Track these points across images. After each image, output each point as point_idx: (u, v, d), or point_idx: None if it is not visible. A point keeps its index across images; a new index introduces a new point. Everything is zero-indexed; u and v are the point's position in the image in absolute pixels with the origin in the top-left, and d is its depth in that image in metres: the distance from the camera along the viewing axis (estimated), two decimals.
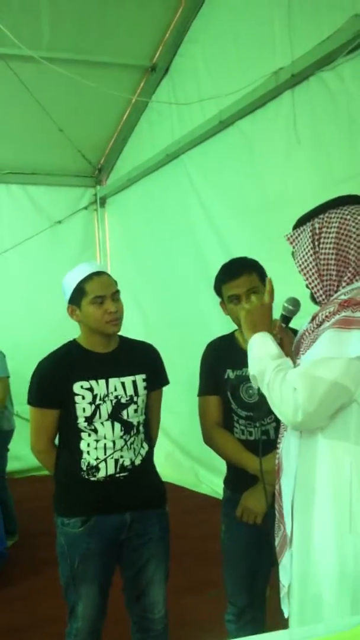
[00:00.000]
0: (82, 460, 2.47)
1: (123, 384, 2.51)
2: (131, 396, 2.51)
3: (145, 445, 2.59)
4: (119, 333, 2.59)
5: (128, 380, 2.52)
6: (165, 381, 2.73)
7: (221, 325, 2.81)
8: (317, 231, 1.88)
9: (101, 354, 2.54)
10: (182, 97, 5.86)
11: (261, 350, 1.90)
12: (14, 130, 6.55)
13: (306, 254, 1.90)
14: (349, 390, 1.69)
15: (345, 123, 4.00)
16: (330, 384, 1.67)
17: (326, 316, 1.78)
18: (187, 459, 6.39)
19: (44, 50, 5.49)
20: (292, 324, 2.12)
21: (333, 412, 1.72)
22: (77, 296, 2.48)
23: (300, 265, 1.93)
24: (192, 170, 5.84)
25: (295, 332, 2.08)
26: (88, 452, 2.47)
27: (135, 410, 2.52)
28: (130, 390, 2.52)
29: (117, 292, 2.51)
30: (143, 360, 2.61)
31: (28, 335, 6.96)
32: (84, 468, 2.47)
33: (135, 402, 2.52)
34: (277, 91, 4.50)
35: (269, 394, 1.80)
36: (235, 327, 2.59)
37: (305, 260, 1.91)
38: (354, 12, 3.74)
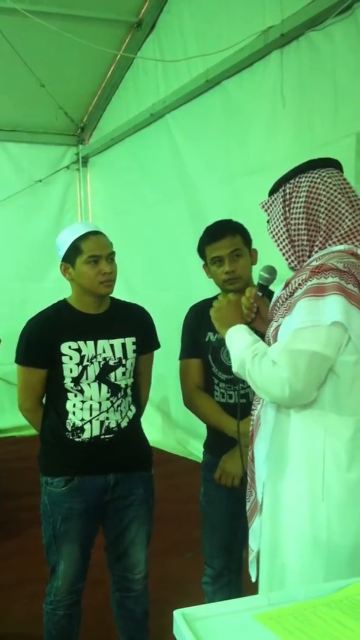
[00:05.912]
0: (68, 420, 2.47)
1: (112, 346, 2.49)
2: (120, 359, 2.50)
3: (133, 408, 2.58)
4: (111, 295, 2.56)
5: (117, 342, 2.50)
6: (156, 345, 2.71)
7: (206, 289, 2.77)
8: (288, 197, 1.86)
9: (91, 315, 2.51)
10: (168, 55, 5.72)
11: (237, 345, 1.87)
12: None
13: (277, 220, 1.88)
14: (330, 359, 1.67)
15: (330, 86, 3.93)
16: (310, 354, 1.65)
17: (299, 284, 1.76)
18: (168, 422, 6.42)
19: (27, 3, 5.31)
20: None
21: (320, 382, 1.70)
22: (72, 254, 2.44)
23: (271, 232, 1.91)
24: (176, 131, 5.73)
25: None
26: (74, 413, 2.46)
27: (124, 373, 2.51)
28: (119, 353, 2.50)
29: (113, 253, 2.48)
30: (133, 324, 2.59)
31: (5, 297, 6.90)
32: (69, 428, 2.47)
33: (124, 365, 2.51)
34: (266, 51, 4.40)
35: (251, 380, 1.77)
36: (218, 290, 2.57)
37: (277, 227, 1.89)
38: None
